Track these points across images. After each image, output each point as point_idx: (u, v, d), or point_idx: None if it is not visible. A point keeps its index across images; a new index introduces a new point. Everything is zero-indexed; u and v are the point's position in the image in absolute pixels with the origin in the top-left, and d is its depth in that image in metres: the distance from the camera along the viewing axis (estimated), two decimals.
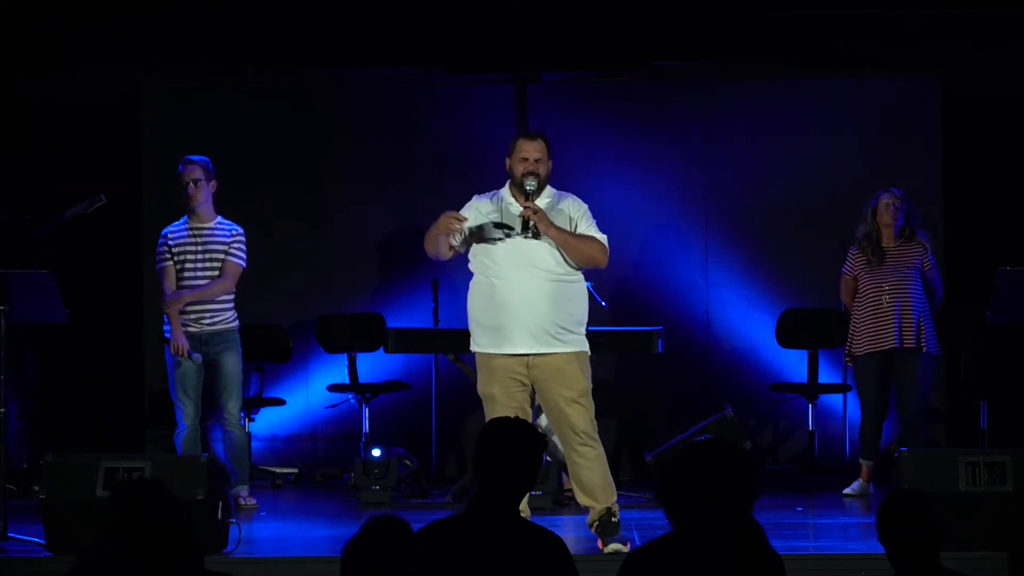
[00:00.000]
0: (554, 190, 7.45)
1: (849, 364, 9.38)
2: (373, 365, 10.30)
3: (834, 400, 10.24)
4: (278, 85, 10.67)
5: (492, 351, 7.26)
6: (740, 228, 10.45)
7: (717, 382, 10.37)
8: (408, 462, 9.35)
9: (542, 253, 7.29)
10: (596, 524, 7.36)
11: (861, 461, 9.29)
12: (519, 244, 7.28)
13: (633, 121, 10.48)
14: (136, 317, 10.43)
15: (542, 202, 7.34)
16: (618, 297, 10.06)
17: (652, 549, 4.22)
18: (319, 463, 10.38)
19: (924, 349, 9.07)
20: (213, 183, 8.84)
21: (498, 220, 7.34)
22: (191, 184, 8.78)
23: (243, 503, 8.77)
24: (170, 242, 8.84)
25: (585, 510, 7.46)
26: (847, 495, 9.19)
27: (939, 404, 10.18)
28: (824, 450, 10.16)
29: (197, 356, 8.72)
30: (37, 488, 7.37)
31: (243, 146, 10.30)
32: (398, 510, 8.49)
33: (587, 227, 7.39)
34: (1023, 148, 10.41)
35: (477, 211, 7.40)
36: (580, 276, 7.46)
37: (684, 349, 10.23)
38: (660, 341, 9.06)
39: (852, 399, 10.02)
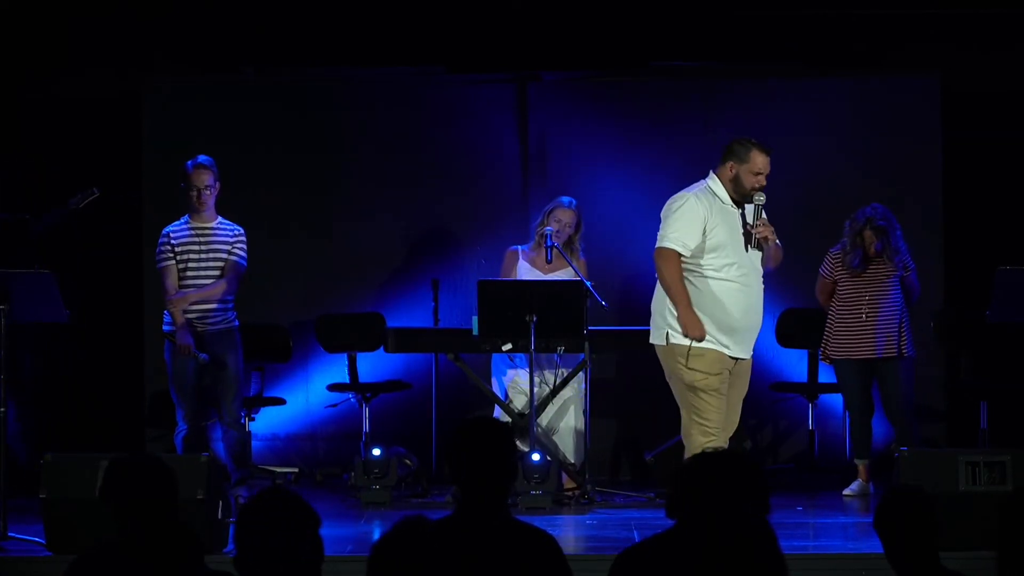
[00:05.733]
0: None
1: (826, 363, 9.43)
2: (373, 365, 10.30)
3: (834, 400, 10.23)
4: (278, 85, 10.67)
5: (721, 350, 7.38)
6: None
7: None
8: (408, 462, 9.35)
9: (759, 258, 7.52)
10: None
11: (856, 461, 9.32)
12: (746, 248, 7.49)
13: (633, 121, 10.48)
14: (136, 317, 10.43)
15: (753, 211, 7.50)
16: (619, 296, 10.05)
17: (643, 548, 4.22)
18: (319, 462, 10.38)
19: (905, 354, 9.11)
20: (218, 184, 8.86)
21: (727, 221, 7.36)
22: (205, 189, 8.78)
23: (243, 503, 8.75)
24: (172, 241, 8.83)
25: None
26: (847, 495, 9.21)
27: (939, 404, 10.18)
28: (824, 450, 10.17)
29: (204, 356, 8.71)
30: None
31: (243, 145, 10.30)
32: (398, 510, 8.54)
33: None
34: (1023, 148, 10.42)
35: (708, 210, 7.46)
36: None
37: None
38: None
39: None
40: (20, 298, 7.69)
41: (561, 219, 9.20)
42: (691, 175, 10.84)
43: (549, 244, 9.04)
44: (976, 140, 10.40)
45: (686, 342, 7.38)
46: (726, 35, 10.45)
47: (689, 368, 7.39)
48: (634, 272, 10.34)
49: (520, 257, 9.34)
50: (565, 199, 9.30)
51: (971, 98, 10.40)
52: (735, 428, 7.56)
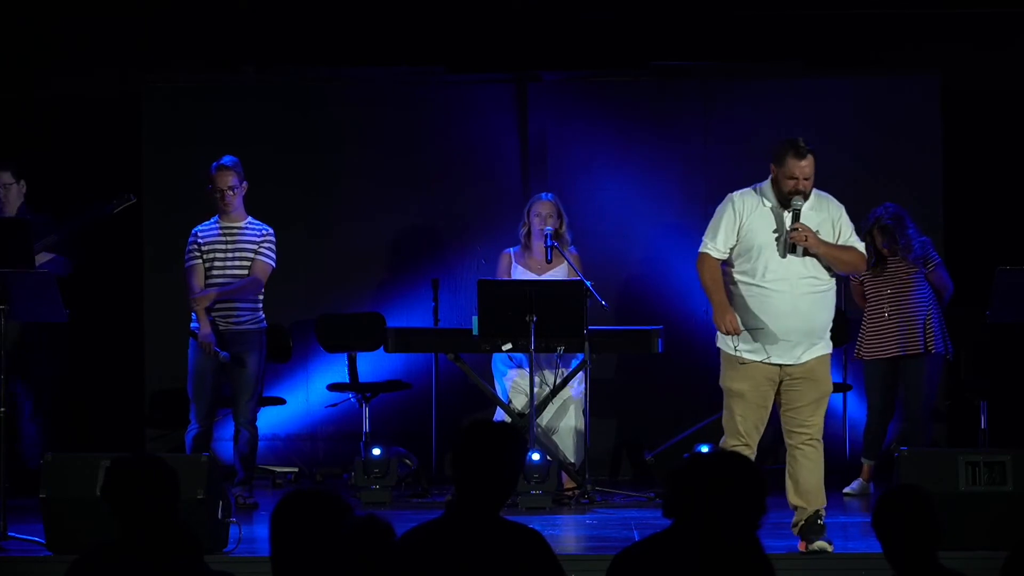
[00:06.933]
0: (814, 190, 7.35)
1: (860, 362, 9.48)
2: (373, 365, 10.30)
3: (834, 400, 10.18)
4: (278, 85, 10.67)
5: (752, 358, 7.25)
6: None
7: (717, 382, 10.34)
8: (408, 462, 9.35)
9: (807, 263, 7.25)
10: (802, 525, 7.26)
11: (863, 460, 9.36)
12: (783, 254, 7.27)
13: (633, 121, 10.48)
14: (136, 317, 10.43)
15: (804, 213, 7.24)
16: (619, 297, 10.06)
17: (641, 548, 4.22)
18: (319, 462, 10.38)
19: (932, 351, 9.14)
20: (245, 184, 8.88)
21: (766, 224, 7.26)
22: (229, 190, 8.80)
23: (243, 502, 8.76)
24: (200, 240, 8.87)
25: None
26: (847, 494, 9.23)
27: (939, 404, 10.18)
28: (824, 450, 10.14)
29: (225, 355, 8.72)
30: None
31: (243, 145, 10.28)
32: (398, 510, 8.55)
33: (849, 235, 7.36)
34: (1023, 148, 10.41)
35: (743, 212, 7.32)
36: (834, 283, 7.37)
37: (684, 349, 10.20)
38: (660, 341, 9.07)
39: (852, 399, 10.03)
40: (20, 298, 7.70)
41: (541, 212, 9.22)
42: (691, 175, 10.88)
43: (549, 244, 9.05)
44: (976, 140, 10.41)
45: (725, 348, 7.33)
46: (726, 35, 10.45)
47: (724, 372, 7.37)
48: (634, 272, 10.36)
49: (513, 260, 9.36)
50: (543, 194, 9.34)
51: (971, 98, 10.40)
52: (819, 431, 7.39)
